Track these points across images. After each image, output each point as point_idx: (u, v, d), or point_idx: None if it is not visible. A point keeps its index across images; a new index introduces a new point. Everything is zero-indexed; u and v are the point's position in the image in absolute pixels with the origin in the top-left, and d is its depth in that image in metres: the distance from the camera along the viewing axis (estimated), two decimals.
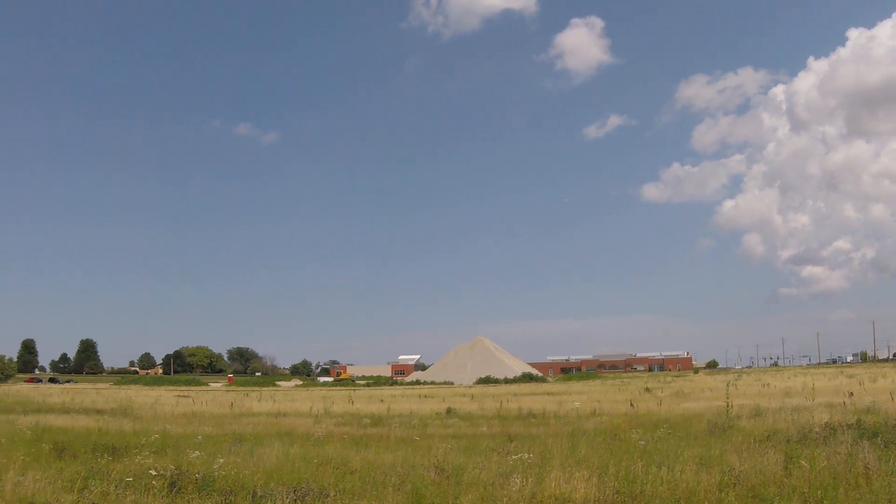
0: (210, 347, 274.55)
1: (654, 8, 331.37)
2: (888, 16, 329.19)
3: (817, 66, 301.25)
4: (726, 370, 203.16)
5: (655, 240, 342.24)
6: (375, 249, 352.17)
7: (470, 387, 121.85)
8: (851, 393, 40.76)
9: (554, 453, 16.92)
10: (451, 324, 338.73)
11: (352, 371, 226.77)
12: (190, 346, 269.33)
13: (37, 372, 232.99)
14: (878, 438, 17.99)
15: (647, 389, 69.08)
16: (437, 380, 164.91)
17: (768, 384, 69.14)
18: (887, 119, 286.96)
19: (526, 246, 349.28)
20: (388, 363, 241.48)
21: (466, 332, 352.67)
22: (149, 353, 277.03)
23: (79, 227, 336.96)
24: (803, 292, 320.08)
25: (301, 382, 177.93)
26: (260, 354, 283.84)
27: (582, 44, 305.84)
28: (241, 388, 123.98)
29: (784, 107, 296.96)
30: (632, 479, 13.85)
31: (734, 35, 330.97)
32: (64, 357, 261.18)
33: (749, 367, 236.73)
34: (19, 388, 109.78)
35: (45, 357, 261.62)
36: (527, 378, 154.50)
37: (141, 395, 78.22)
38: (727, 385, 32.57)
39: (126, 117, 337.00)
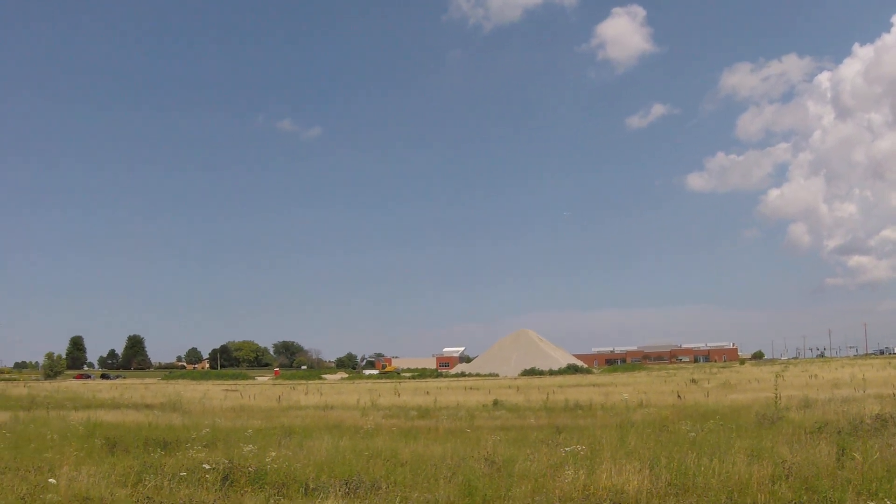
0: (256, 342, 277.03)
1: None
2: None
3: (863, 53, 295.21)
4: (772, 361, 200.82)
5: (700, 230, 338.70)
6: (418, 243, 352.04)
7: (515, 378, 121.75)
8: None
9: (604, 445, 16.86)
10: (495, 315, 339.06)
11: (397, 363, 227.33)
12: (236, 341, 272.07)
13: (85, 368, 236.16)
14: None
15: (694, 381, 68.65)
16: (482, 372, 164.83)
17: (816, 375, 68.44)
18: None
19: (570, 237, 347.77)
20: (433, 355, 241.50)
21: (510, 323, 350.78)
22: (195, 348, 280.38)
23: (125, 223, 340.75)
24: (850, 282, 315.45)
25: (346, 375, 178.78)
26: (305, 348, 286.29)
27: (624, 33, 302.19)
28: (287, 382, 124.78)
29: (829, 94, 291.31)
30: (683, 471, 13.80)
31: (778, 22, 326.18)
32: (112, 353, 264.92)
33: (795, 357, 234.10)
34: (69, 385, 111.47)
35: (94, 353, 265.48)
36: (572, 370, 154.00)
37: (189, 390, 79.02)
38: (775, 376, 32.25)
39: (172, 110, 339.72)
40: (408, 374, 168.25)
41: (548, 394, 49.10)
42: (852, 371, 69.21)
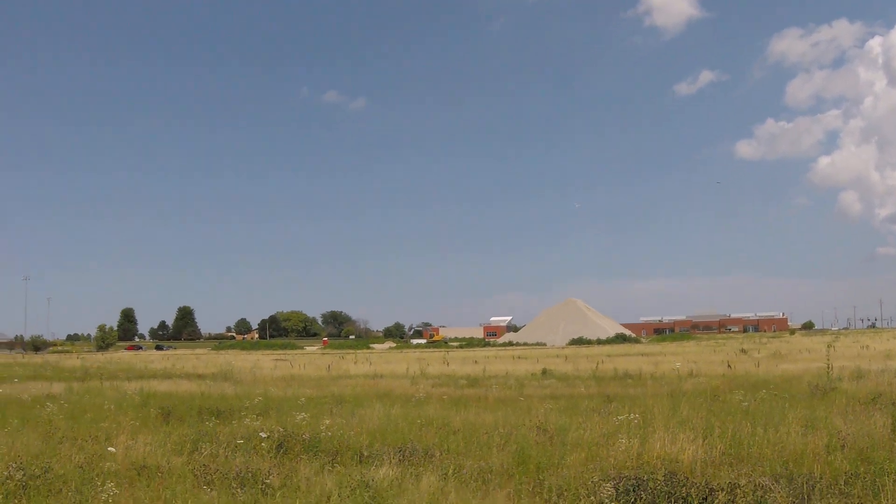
0: (304, 312, 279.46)
1: None
2: None
3: None
4: (823, 331, 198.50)
5: (749, 198, 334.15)
6: (466, 213, 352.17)
7: (562, 348, 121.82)
8: None
9: (656, 414, 16.82)
10: (542, 285, 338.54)
11: (444, 333, 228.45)
12: (285, 311, 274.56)
13: (136, 339, 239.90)
14: None
15: (743, 350, 68.22)
16: (530, 341, 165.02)
17: (867, 346, 67.60)
18: None
19: (617, 205, 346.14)
20: (481, 325, 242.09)
21: (558, 293, 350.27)
22: (245, 319, 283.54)
23: (176, 196, 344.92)
24: None
25: (394, 345, 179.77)
26: (353, 318, 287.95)
27: None
28: (335, 352, 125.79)
29: (881, 60, 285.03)
30: (737, 441, 13.74)
31: None
32: (162, 324, 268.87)
33: (846, 328, 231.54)
34: (121, 356, 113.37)
35: (145, 325, 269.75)
36: (620, 339, 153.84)
37: (239, 360, 79.97)
38: (826, 347, 31.89)
39: (219, 82, 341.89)
40: (455, 344, 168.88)
41: (597, 363, 49.04)
42: None
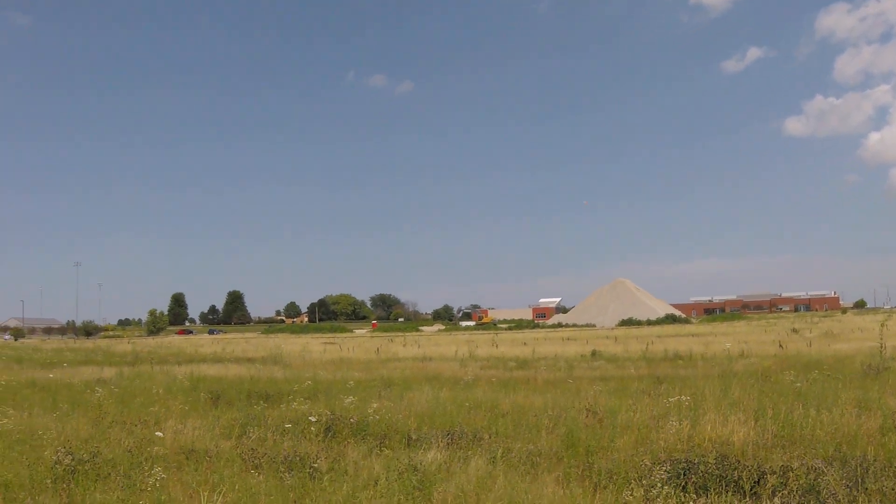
0: (353, 295, 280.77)
1: None
2: None
3: None
4: (875, 310, 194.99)
5: (798, 176, 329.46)
6: (512, 195, 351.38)
7: (612, 329, 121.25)
8: None
9: (706, 395, 16.61)
10: (591, 266, 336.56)
11: (493, 315, 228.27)
12: (333, 294, 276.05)
13: (186, 324, 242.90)
14: None
15: (795, 330, 67.48)
16: (579, 322, 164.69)
17: None
18: None
19: (665, 185, 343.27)
20: (529, 306, 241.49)
21: (607, 273, 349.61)
22: (294, 302, 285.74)
23: (223, 183, 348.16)
24: None
25: (443, 327, 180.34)
26: (402, 300, 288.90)
27: None
28: (384, 335, 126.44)
29: None
30: (790, 423, 13.52)
31: None
32: (213, 308, 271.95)
33: None
34: (171, 340, 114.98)
35: (195, 309, 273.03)
36: (670, 319, 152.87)
37: (288, 343, 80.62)
38: (880, 325, 31.33)
39: (268, 66, 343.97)
40: (504, 326, 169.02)
41: (646, 344, 48.72)
42: None
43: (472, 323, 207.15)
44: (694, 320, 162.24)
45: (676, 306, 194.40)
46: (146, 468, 10.60)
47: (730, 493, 9.30)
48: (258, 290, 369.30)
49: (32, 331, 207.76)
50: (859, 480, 9.60)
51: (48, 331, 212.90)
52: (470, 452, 12.10)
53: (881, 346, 26.89)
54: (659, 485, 9.49)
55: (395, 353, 50.23)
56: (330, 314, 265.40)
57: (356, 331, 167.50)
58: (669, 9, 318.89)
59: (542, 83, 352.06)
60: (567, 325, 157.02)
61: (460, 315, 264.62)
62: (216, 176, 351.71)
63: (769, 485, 9.48)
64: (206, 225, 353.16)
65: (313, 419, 14.57)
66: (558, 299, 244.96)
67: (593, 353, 41.72)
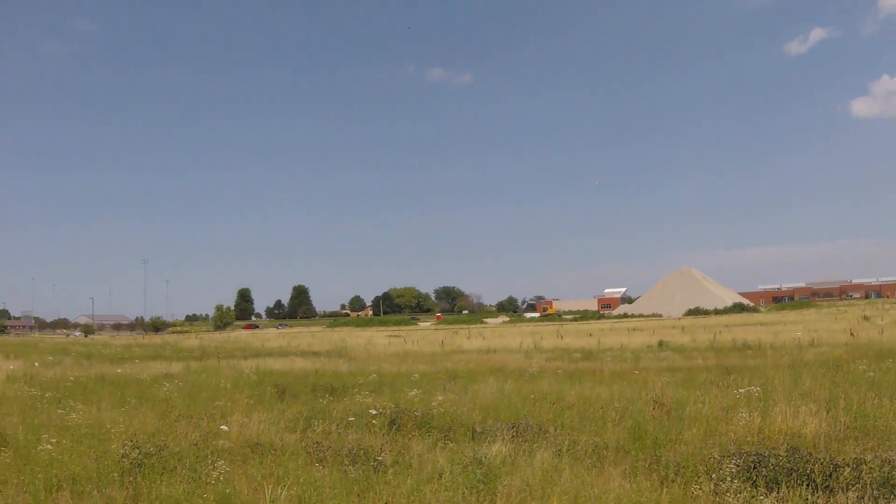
0: (417, 288, 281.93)
1: None
2: None
3: None
4: None
5: (867, 158, 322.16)
6: (579, 184, 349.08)
7: (679, 319, 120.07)
8: None
9: (776, 386, 16.33)
10: (656, 255, 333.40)
11: (557, 306, 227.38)
12: (398, 287, 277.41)
13: (253, 318, 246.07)
14: None
15: (866, 317, 66.19)
16: (645, 312, 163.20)
17: None
18: None
19: (730, 173, 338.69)
20: (594, 297, 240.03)
21: (672, 262, 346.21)
22: (359, 296, 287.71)
23: (289, 179, 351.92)
24: None
25: (508, 319, 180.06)
26: (466, 293, 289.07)
27: None
28: (449, 327, 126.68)
29: None
30: (863, 414, 13.20)
31: None
32: (278, 303, 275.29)
33: None
34: (238, 335, 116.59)
35: (261, 304, 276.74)
36: (738, 308, 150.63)
37: (353, 337, 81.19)
38: None
39: (323, 65, 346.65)
40: (569, 317, 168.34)
41: (714, 333, 48.17)
42: None
43: (536, 314, 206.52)
44: (762, 309, 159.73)
45: (744, 295, 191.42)
46: (211, 461, 10.70)
47: (802, 488, 9.06)
48: (323, 284, 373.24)
49: (101, 327, 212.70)
50: None
51: (117, 327, 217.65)
52: (535, 445, 12.01)
53: None
54: (728, 478, 9.31)
55: (460, 346, 50.28)
56: (394, 307, 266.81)
57: (420, 324, 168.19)
58: None
59: (597, 75, 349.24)
60: (633, 316, 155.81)
61: (524, 306, 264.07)
62: (280, 177, 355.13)
63: (842, 478, 9.24)
64: (271, 221, 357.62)
65: (374, 412, 14.59)
66: (624, 289, 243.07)
67: (660, 344, 41.32)
